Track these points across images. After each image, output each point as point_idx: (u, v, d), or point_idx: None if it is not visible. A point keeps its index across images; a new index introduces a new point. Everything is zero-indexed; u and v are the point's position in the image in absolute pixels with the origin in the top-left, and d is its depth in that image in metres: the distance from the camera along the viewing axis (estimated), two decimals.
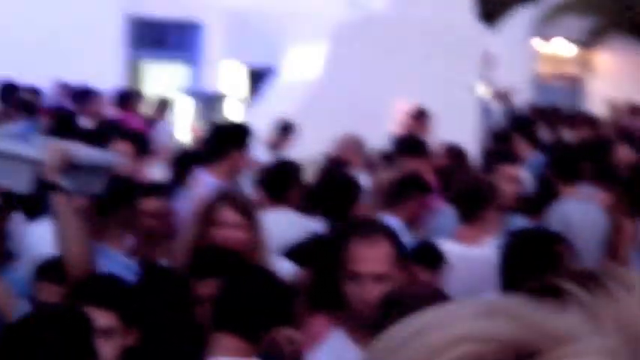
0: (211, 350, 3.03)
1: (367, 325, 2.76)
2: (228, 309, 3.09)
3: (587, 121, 13.41)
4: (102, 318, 3.02)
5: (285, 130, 9.70)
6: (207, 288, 3.41)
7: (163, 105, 12.36)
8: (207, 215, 4.05)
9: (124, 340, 3.14)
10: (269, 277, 3.31)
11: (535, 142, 10.16)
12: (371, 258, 3.08)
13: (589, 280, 0.78)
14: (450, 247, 4.70)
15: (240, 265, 3.54)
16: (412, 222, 5.55)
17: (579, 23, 18.58)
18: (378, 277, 3.04)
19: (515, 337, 0.65)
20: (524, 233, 4.64)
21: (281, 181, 5.51)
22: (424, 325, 0.69)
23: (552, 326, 0.66)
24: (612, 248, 6.10)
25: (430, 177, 6.67)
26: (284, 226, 4.95)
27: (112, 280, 3.37)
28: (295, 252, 4.40)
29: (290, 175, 5.63)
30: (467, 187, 5.00)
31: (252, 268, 3.58)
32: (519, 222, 5.26)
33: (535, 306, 0.68)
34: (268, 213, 4.90)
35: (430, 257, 4.58)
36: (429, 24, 11.16)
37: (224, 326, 3.04)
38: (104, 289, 3.23)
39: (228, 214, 4.03)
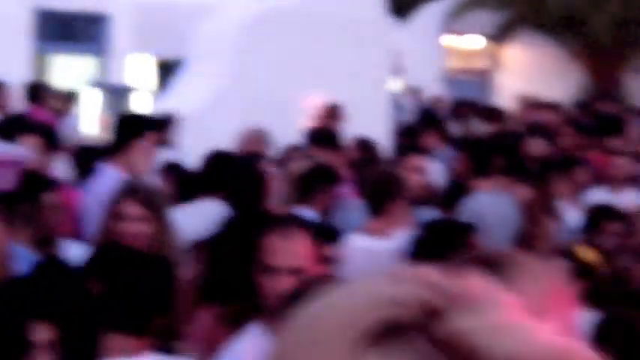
0: (104, 351, 2.94)
1: (281, 317, 2.73)
2: (109, 308, 3.01)
3: (496, 115, 13.61)
4: None
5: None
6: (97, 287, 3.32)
7: (71, 98, 12.15)
8: (112, 209, 4.00)
9: None
10: (152, 269, 3.20)
11: (445, 136, 10.25)
12: (286, 251, 3.06)
13: (492, 264, 0.87)
14: (357, 240, 4.70)
15: (126, 261, 3.44)
16: (325, 213, 5.56)
17: (489, 18, 18.83)
18: (293, 271, 3.02)
19: (424, 296, 0.70)
20: (437, 224, 4.65)
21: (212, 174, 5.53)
22: (339, 297, 0.73)
23: (456, 288, 0.71)
24: (527, 241, 6.17)
25: (344, 170, 6.67)
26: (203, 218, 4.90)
27: None
28: (205, 243, 4.35)
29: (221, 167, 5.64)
30: (375, 181, 5.02)
31: (134, 263, 3.46)
32: (429, 215, 5.25)
33: (440, 272, 0.73)
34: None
35: (328, 232, 4.59)
36: (339, 18, 11.18)
37: (109, 325, 2.96)
38: None
39: (132, 208, 3.99)
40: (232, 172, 5.68)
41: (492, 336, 0.67)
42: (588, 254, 5.01)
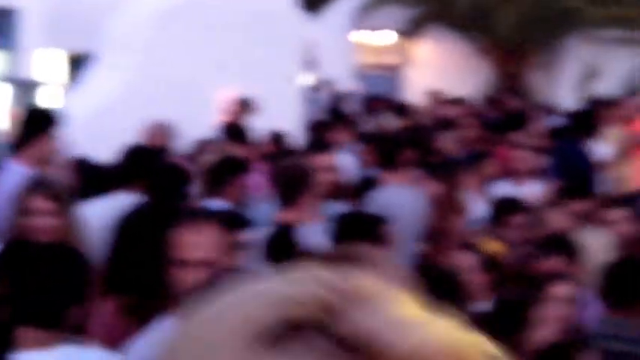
0: (16, 345, 2.94)
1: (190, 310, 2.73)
2: (18, 302, 3.01)
3: (406, 109, 13.76)
4: None
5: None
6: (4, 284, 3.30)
7: None
8: (19, 205, 3.96)
9: None
10: (63, 261, 3.19)
11: (355, 131, 10.36)
12: (196, 244, 3.05)
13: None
14: (267, 232, 4.72)
15: (36, 256, 3.42)
16: (237, 205, 5.58)
17: (399, 14, 19.00)
18: (203, 263, 3.02)
19: (322, 294, 0.69)
20: (350, 216, 4.73)
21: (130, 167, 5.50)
22: (234, 297, 0.72)
23: (352, 285, 0.71)
24: (435, 234, 6.29)
25: (256, 163, 6.71)
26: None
27: None
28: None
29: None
30: (285, 173, 5.05)
31: (45, 256, 3.45)
32: (338, 208, 5.32)
33: (336, 271, 0.73)
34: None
35: (238, 221, 4.63)
36: (251, 12, 11.16)
37: (19, 320, 2.96)
38: None
39: (40, 202, 3.95)
40: (149, 165, 5.68)
41: (394, 332, 0.67)
42: (493, 246, 5.14)
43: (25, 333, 2.96)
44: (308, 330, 0.68)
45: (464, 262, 4.94)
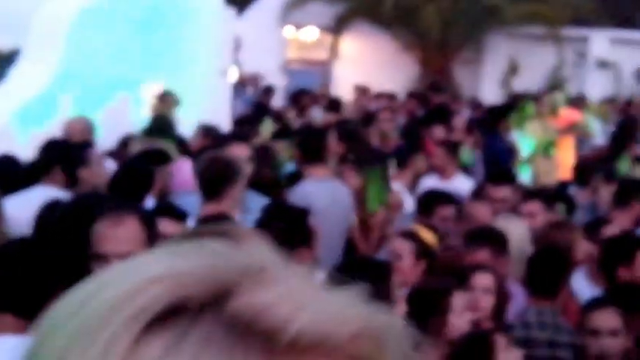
0: None
1: None
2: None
3: (334, 104, 13.80)
4: None
5: None
6: None
7: None
8: None
9: None
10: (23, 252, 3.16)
11: (285, 125, 10.36)
12: (117, 238, 3.03)
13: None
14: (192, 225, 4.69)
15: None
16: (161, 197, 5.55)
17: (326, 10, 19.06)
18: (124, 257, 2.98)
19: (210, 271, 0.64)
20: (274, 208, 4.72)
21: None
22: (114, 275, 0.65)
23: (245, 261, 0.66)
24: (360, 227, 6.32)
25: (186, 157, 6.68)
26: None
27: None
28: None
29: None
30: (210, 166, 5.02)
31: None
32: (259, 201, 5.30)
33: (225, 244, 0.68)
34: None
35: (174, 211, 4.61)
36: (180, 7, 11.10)
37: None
38: None
39: None
40: (68, 159, 5.62)
41: (290, 308, 0.63)
42: (427, 236, 5.19)
43: (3, 318, 2.95)
44: (198, 309, 0.62)
45: (400, 248, 5.01)
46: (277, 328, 0.62)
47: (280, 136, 9.28)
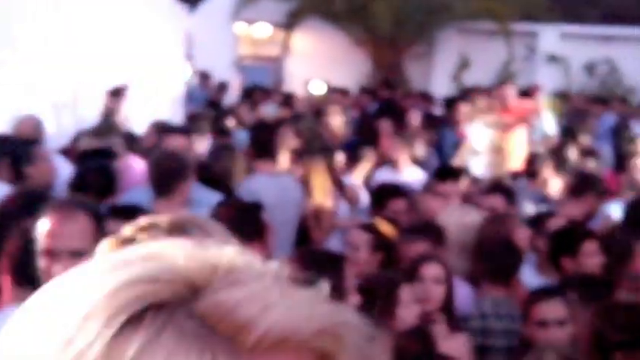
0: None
1: None
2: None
3: (286, 100, 13.80)
4: None
5: None
6: None
7: None
8: None
9: None
10: None
11: (235, 121, 10.33)
12: (65, 234, 2.99)
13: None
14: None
15: None
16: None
17: (277, 6, 19.03)
18: (74, 253, 2.95)
19: (183, 271, 0.68)
20: (230, 203, 4.70)
21: None
22: (91, 277, 0.69)
23: (215, 260, 0.70)
24: (311, 220, 6.33)
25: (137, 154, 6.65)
26: None
27: None
28: None
29: None
30: (161, 162, 5.00)
31: None
32: (208, 195, 5.27)
33: (196, 244, 0.72)
34: None
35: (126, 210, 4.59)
36: (132, 3, 11.02)
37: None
38: None
39: None
40: (14, 155, 5.56)
41: (257, 308, 0.66)
42: (386, 228, 5.22)
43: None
44: (170, 307, 0.66)
45: (357, 240, 5.03)
46: (244, 326, 0.66)
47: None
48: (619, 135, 12.20)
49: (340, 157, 7.85)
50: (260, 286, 0.68)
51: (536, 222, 6.02)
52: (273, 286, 0.69)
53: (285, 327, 0.67)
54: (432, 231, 5.25)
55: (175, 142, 5.94)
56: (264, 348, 0.66)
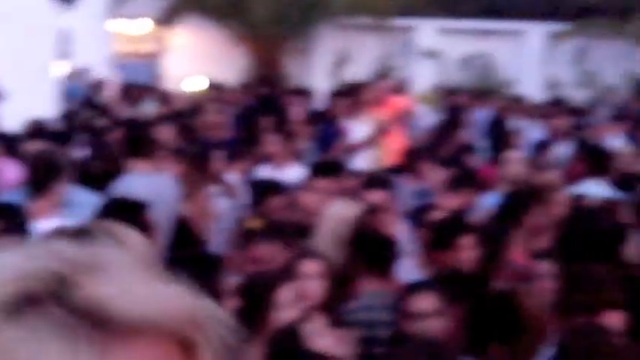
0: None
1: None
2: None
3: (165, 97, 13.66)
4: None
5: None
6: None
7: None
8: None
9: None
10: None
11: (112, 119, 10.15)
12: None
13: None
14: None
15: None
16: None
17: (155, 2, 18.81)
18: None
19: (54, 269, 0.73)
20: (114, 202, 4.61)
21: None
22: None
23: (86, 257, 0.75)
24: (188, 218, 6.25)
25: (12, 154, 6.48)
26: None
27: None
28: None
29: None
30: (33, 163, 4.89)
31: None
32: (83, 195, 5.16)
33: (73, 244, 0.77)
34: None
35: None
36: (5, 1, 10.77)
37: None
38: None
39: None
40: None
41: (125, 300, 0.71)
42: (255, 224, 5.19)
43: None
44: (45, 301, 0.71)
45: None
46: (112, 317, 0.71)
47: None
48: (496, 128, 12.47)
49: (220, 154, 7.78)
50: (127, 280, 0.73)
51: (416, 215, 6.07)
52: (140, 280, 0.74)
53: (145, 313, 0.72)
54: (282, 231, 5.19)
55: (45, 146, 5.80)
56: (125, 332, 0.72)
